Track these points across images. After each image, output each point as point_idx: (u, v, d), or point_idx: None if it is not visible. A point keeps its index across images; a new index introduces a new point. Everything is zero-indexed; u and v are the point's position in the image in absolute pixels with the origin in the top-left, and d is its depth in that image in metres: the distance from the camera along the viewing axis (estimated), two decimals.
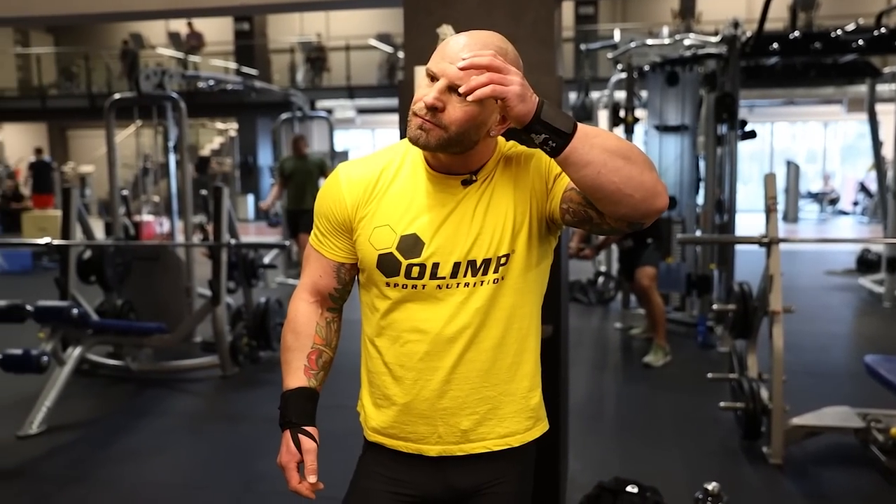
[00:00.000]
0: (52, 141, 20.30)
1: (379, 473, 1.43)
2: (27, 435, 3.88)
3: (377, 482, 1.42)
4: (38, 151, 13.89)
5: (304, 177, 7.41)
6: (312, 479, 1.35)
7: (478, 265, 1.33)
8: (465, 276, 1.33)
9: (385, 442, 1.42)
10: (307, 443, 1.37)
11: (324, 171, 7.58)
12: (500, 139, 1.38)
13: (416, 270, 1.33)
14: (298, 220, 7.37)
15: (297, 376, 1.41)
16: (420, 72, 2.58)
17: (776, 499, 3.20)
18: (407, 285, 1.34)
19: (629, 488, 2.72)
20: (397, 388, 1.38)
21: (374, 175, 1.37)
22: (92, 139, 18.31)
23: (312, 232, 1.45)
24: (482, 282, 1.34)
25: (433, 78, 1.25)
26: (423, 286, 1.34)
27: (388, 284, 1.35)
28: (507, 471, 1.42)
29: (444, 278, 1.33)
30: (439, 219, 1.33)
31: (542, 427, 1.47)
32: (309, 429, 1.38)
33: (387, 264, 1.34)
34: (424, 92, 1.25)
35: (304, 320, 1.44)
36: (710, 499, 2.36)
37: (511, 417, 1.40)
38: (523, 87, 1.16)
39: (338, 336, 1.49)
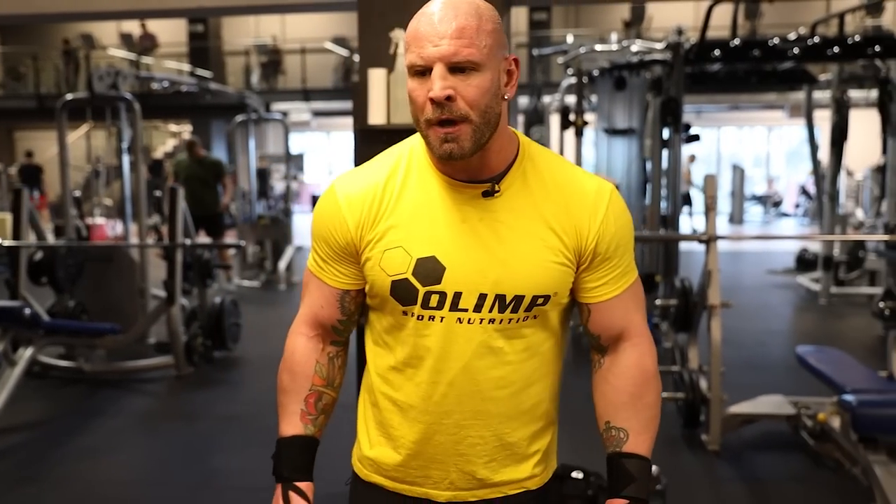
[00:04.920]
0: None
1: None
2: None
3: None
4: (29, 155, 13.76)
5: (197, 181, 7.29)
6: None
7: (507, 301, 1.16)
8: (490, 311, 1.16)
9: (386, 484, 1.27)
10: (297, 502, 1.23)
11: (220, 173, 7.49)
12: (521, 136, 1.21)
13: (434, 299, 1.16)
14: (199, 225, 6.92)
15: (292, 422, 1.26)
16: (379, 75, 2.64)
17: (713, 483, 3.38)
18: (423, 316, 1.17)
19: (574, 474, 2.82)
20: (408, 428, 1.23)
21: (378, 189, 1.18)
22: (40, 141, 17.92)
23: (311, 256, 1.27)
24: (510, 319, 1.17)
25: (422, 72, 1.08)
26: (442, 318, 1.16)
27: (404, 313, 1.18)
28: None
29: (466, 311, 1.16)
30: (461, 239, 1.15)
31: (554, 465, 1.35)
32: (301, 485, 1.24)
33: (402, 291, 1.16)
34: (421, 90, 1.08)
35: (301, 359, 1.27)
36: None
37: (529, 460, 1.27)
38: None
39: (342, 373, 1.32)
